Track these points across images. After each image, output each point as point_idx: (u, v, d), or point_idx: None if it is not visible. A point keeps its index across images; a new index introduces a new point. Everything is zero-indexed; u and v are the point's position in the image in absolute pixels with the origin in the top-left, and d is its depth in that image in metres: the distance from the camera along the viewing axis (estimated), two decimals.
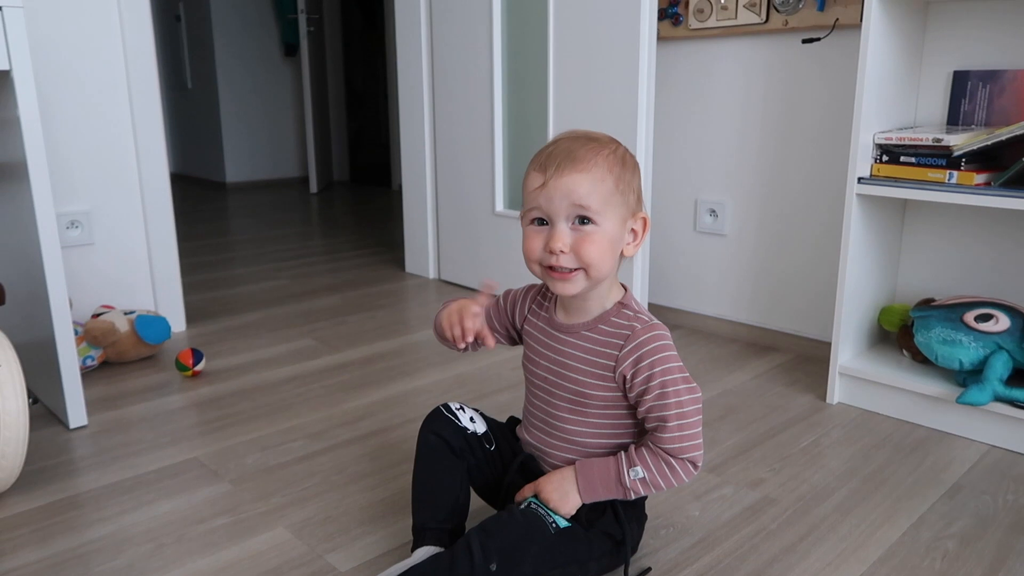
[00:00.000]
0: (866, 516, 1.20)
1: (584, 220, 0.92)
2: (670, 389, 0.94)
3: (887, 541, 1.14)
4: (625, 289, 1.02)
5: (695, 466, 0.96)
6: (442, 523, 1.02)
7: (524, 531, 0.93)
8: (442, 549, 1.00)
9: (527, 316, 1.08)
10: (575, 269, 0.93)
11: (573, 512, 0.98)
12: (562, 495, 0.98)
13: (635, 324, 0.97)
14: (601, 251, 0.92)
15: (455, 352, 1.92)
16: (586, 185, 0.91)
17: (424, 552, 0.99)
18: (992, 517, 1.20)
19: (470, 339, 1.00)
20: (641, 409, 0.96)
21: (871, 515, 1.21)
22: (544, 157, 0.94)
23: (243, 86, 5.36)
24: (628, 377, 0.96)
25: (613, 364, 0.97)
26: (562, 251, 0.92)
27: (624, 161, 0.96)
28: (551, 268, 0.94)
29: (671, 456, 0.95)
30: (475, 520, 1.05)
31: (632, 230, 0.97)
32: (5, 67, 1.32)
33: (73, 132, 1.89)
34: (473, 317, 1.00)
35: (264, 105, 5.49)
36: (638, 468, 0.95)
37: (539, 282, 1.09)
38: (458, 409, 1.09)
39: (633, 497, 0.98)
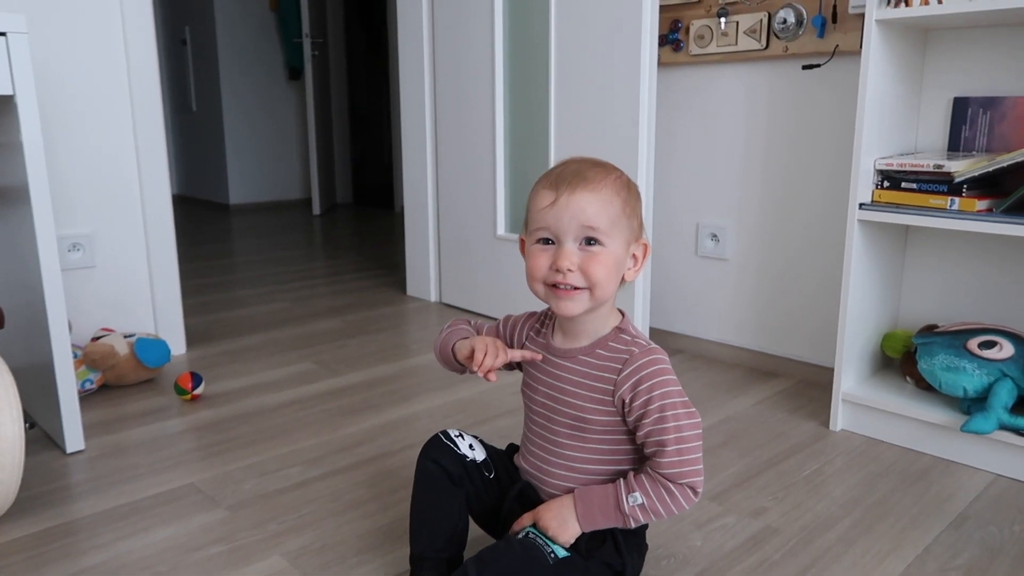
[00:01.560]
0: (871, 547, 1.19)
1: (591, 241, 0.92)
2: (669, 413, 0.93)
3: (893, 572, 1.12)
4: (622, 315, 1.02)
5: (695, 492, 0.94)
6: (440, 552, 1.01)
7: (522, 561, 0.92)
8: None
9: (525, 343, 1.08)
10: (580, 288, 0.93)
11: (572, 541, 0.97)
12: (561, 523, 0.97)
13: (633, 348, 0.97)
14: (608, 271, 0.93)
15: (455, 377, 1.92)
16: (596, 205, 0.92)
17: None
18: (999, 548, 1.18)
19: (495, 369, 1.01)
20: (640, 434, 0.95)
21: (876, 545, 1.19)
22: (554, 177, 0.95)
23: (247, 109, 5.40)
24: (627, 401, 0.95)
25: (612, 388, 0.96)
26: (570, 270, 0.92)
27: (629, 187, 0.97)
28: (555, 287, 0.94)
29: (670, 481, 0.93)
30: (473, 549, 1.03)
31: (633, 255, 0.98)
32: (9, 92, 1.33)
33: (76, 155, 1.90)
34: (505, 352, 1.01)
35: (268, 127, 5.53)
36: (637, 494, 0.94)
37: (537, 309, 1.08)
38: (457, 436, 1.08)
39: (633, 525, 0.96)
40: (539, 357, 1.03)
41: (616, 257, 0.94)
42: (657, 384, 0.94)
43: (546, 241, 0.95)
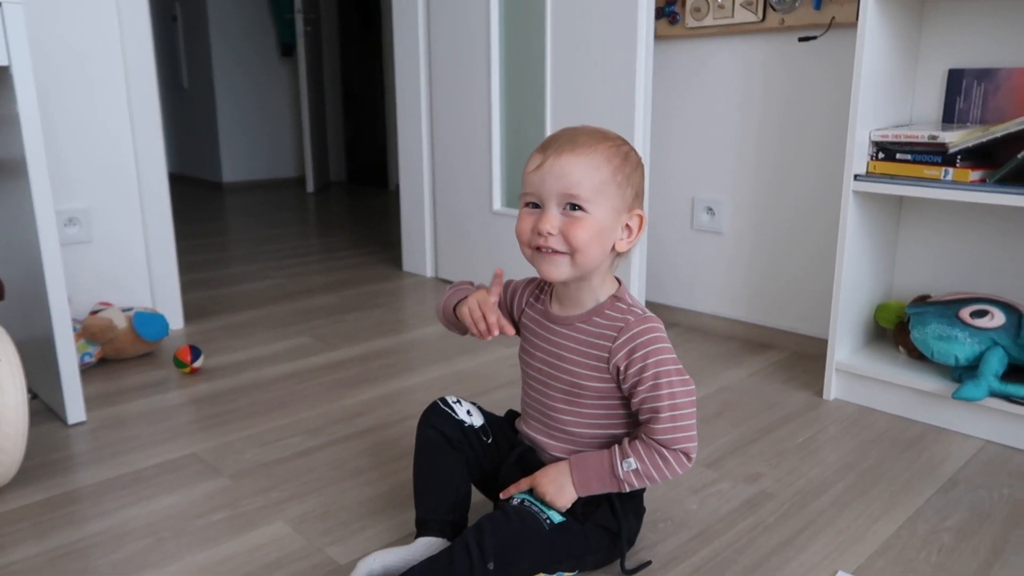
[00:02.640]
0: (863, 510, 1.21)
1: (575, 207, 0.93)
2: (663, 380, 0.94)
3: (884, 534, 1.14)
4: (619, 283, 1.03)
5: (689, 458, 0.96)
6: (444, 515, 1.03)
7: (519, 528, 0.94)
8: (443, 539, 1.01)
9: (524, 308, 1.09)
10: (562, 252, 0.93)
11: (569, 506, 0.98)
12: (558, 489, 0.98)
13: (629, 317, 0.98)
14: (589, 236, 0.93)
15: (453, 349, 1.93)
16: (580, 170, 0.92)
17: (425, 542, 1.00)
18: (988, 511, 1.21)
19: (496, 333, 1.01)
20: (635, 401, 0.97)
21: (868, 509, 1.21)
22: (548, 141, 0.96)
23: (240, 86, 5.36)
24: (622, 369, 0.96)
25: (607, 356, 0.97)
26: (550, 233, 0.92)
27: (627, 156, 0.96)
28: (539, 249, 0.94)
29: (664, 447, 0.94)
30: (478, 511, 1.05)
31: (627, 225, 0.97)
32: (5, 63, 1.32)
33: (72, 129, 1.89)
34: (493, 310, 1.01)
35: (261, 105, 5.49)
36: (631, 460, 0.95)
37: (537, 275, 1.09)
38: (455, 403, 1.10)
39: (628, 490, 0.98)
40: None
41: (600, 224, 0.93)
42: (652, 352, 0.95)
43: (534, 205, 0.95)
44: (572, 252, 0.93)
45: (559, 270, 0.95)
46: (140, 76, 1.97)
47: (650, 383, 0.94)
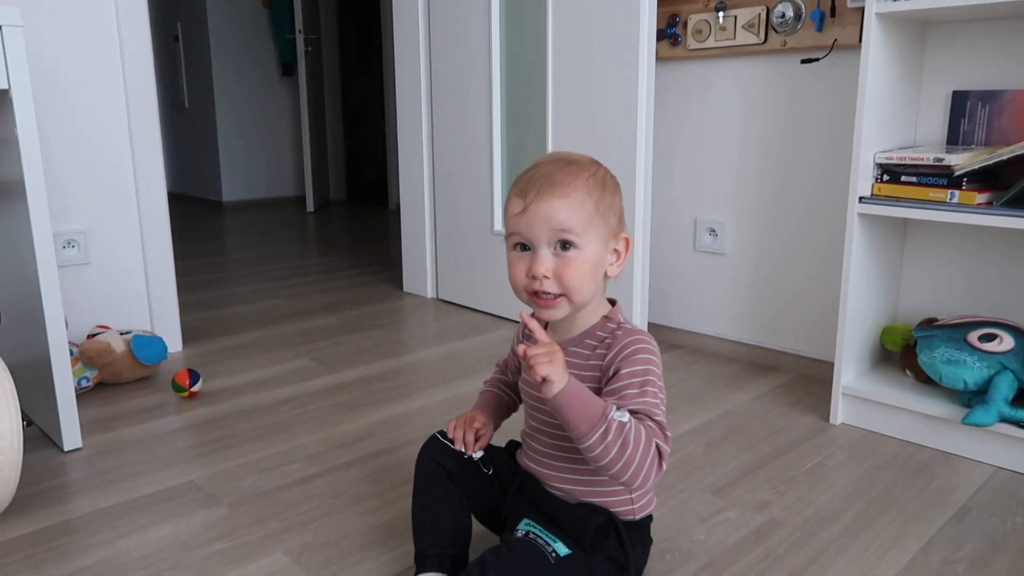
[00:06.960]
0: (874, 539, 1.19)
1: (566, 245, 0.92)
2: (648, 378, 0.92)
3: (897, 565, 1.12)
4: (612, 304, 1.02)
5: (661, 456, 0.90)
6: (443, 549, 1.00)
7: (523, 562, 0.91)
8: (444, 574, 0.98)
9: (522, 340, 1.08)
10: (558, 296, 0.93)
11: (550, 379, 0.86)
12: (556, 369, 0.87)
13: (618, 332, 0.97)
14: (582, 276, 0.92)
15: (454, 373, 1.92)
16: (566, 210, 0.91)
17: None
18: (1002, 540, 1.18)
19: (468, 449, 1.07)
20: (609, 388, 0.93)
21: (879, 538, 1.19)
22: (524, 182, 0.94)
23: (240, 105, 5.37)
24: (610, 378, 0.94)
25: (599, 375, 0.96)
26: (545, 276, 0.91)
27: (604, 183, 0.96)
28: (535, 294, 0.94)
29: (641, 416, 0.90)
30: (479, 543, 1.03)
31: (615, 250, 0.97)
32: (4, 86, 1.31)
33: (71, 151, 1.88)
34: (471, 432, 1.08)
35: (261, 124, 5.50)
36: (624, 412, 0.89)
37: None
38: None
39: (595, 449, 0.86)
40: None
41: (592, 259, 0.93)
42: (634, 352, 0.93)
43: (523, 247, 0.94)
44: (566, 293, 0.92)
45: (558, 312, 0.94)
46: (140, 96, 1.97)
47: (627, 381, 0.91)
